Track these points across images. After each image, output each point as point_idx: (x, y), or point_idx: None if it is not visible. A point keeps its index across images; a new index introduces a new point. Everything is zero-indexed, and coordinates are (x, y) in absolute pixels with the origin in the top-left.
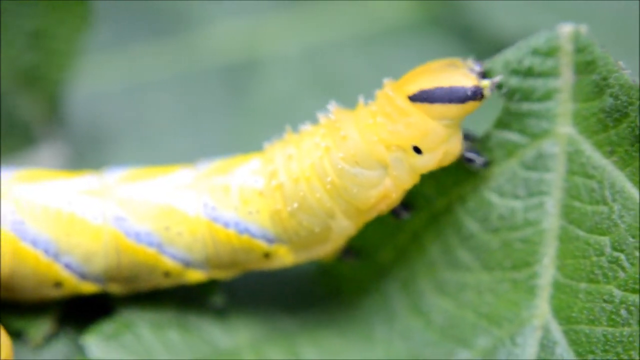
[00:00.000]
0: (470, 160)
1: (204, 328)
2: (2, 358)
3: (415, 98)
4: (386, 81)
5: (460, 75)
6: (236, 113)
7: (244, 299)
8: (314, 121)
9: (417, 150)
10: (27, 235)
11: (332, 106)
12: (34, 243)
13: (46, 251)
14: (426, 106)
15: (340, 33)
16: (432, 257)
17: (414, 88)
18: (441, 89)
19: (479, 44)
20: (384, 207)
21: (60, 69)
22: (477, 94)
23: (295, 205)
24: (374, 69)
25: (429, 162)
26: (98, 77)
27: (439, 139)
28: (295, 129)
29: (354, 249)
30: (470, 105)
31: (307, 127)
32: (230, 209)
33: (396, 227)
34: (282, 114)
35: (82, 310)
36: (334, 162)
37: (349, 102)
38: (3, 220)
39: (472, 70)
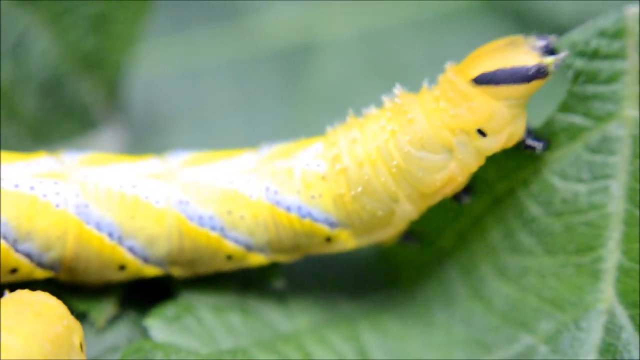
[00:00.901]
0: (530, 147)
1: (264, 312)
2: (77, 340)
3: (479, 81)
4: (448, 65)
5: (522, 54)
6: (291, 98)
7: (304, 283)
8: (371, 106)
9: (482, 133)
10: (90, 218)
11: (398, 90)
12: (98, 226)
13: (110, 234)
14: (491, 88)
15: (395, 17)
16: (493, 242)
17: (476, 71)
18: (503, 70)
19: (534, 27)
20: (448, 191)
21: (120, 52)
22: (540, 72)
23: (360, 189)
24: (429, 53)
25: (494, 144)
26: (155, 61)
27: (503, 121)
28: (352, 113)
29: (414, 233)
30: (535, 83)
31: (371, 111)
32: (292, 193)
33: (457, 211)
34: (336, 99)
35: (143, 293)
36: (400, 146)
37: (405, 87)
38: (67, 204)
39: (534, 47)
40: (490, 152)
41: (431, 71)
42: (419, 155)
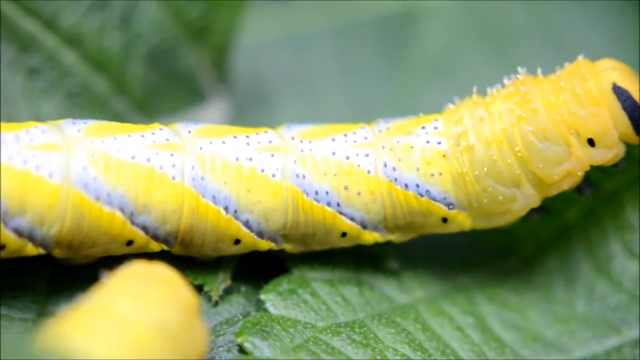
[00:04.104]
0: (616, 166)
1: (379, 285)
2: (196, 306)
3: (615, 91)
4: (580, 58)
5: None
6: (393, 65)
7: (417, 254)
8: (476, 77)
9: (591, 142)
10: (207, 191)
11: (522, 74)
12: (214, 200)
13: (226, 208)
14: (615, 106)
15: None
16: (628, 220)
17: (623, 84)
18: (636, 103)
19: None
20: (566, 186)
21: (227, 21)
22: None
23: (485, 169)
24: (536, 20)
25: (599, 156)
26: (258, 31)
27: (616, 139)
28: (455, 83)
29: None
30: (636, 139)
31: (496, 91)
32: (411, 170)
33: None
34: (440, 67)
35: (254, 267)
36: (524, 134)
37: (510, 58)
38: (184, 176)
39: None
40: (593, 164)
41: (538, 41)
42: (541, 146)
